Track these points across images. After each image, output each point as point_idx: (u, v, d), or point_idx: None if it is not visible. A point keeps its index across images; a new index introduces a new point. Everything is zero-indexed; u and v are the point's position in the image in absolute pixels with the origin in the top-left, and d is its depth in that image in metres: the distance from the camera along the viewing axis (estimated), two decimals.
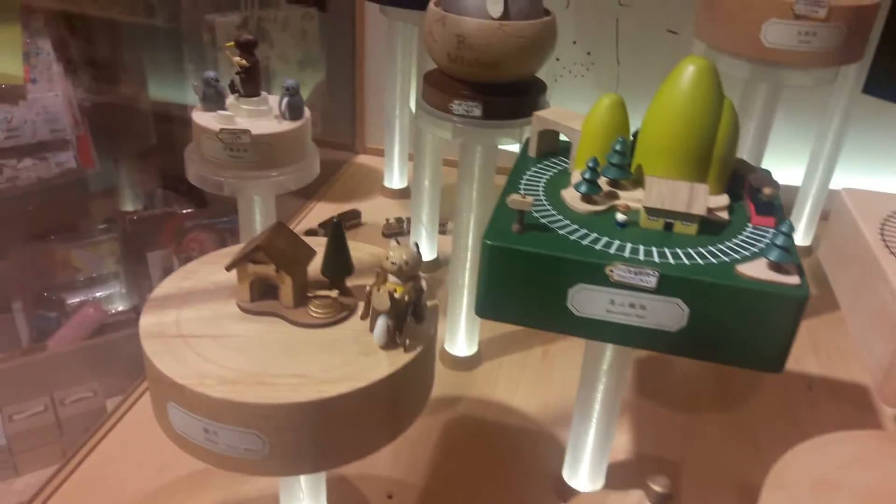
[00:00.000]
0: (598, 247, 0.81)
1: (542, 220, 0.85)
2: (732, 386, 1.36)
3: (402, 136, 1.90)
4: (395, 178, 1.98)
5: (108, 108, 2.17)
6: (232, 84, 1.17)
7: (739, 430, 1.26)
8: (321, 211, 1.89)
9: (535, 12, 1.08)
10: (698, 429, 1.27)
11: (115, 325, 2.12)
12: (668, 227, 0.85)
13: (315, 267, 0.85)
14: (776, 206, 0.85)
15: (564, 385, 1.33)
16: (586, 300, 0.79)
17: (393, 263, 0.75)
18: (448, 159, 1.61)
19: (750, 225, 0.87)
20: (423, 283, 0.81)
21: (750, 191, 0.90)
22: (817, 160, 1.69)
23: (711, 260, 0.80)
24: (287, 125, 1.13)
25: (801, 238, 1.78)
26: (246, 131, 1.08)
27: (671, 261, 0.79)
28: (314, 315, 0.81)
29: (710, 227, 0.85)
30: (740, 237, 0.85)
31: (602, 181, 0.89)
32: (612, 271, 0.77)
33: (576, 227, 0.84)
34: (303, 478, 0.91)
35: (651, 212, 0.84)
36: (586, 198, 0.89)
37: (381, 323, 0.76)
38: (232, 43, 1.12)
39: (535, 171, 0.98)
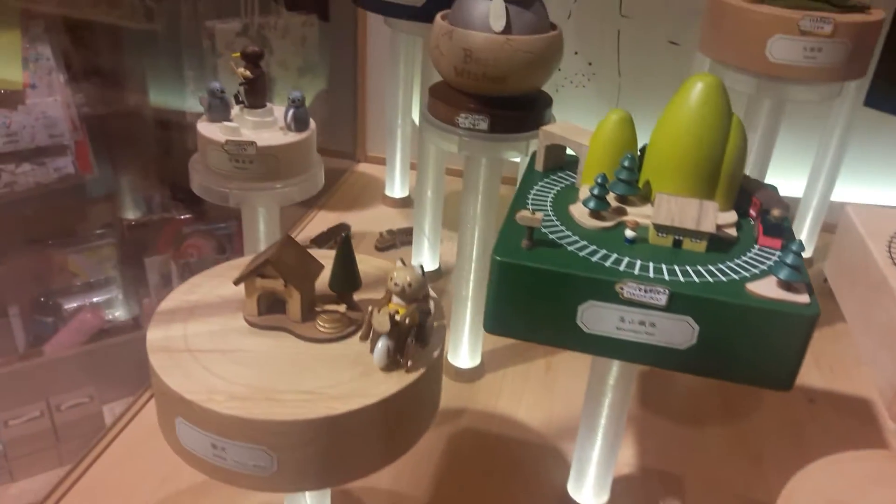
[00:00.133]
0: (607, 263, 0.80)
1: (551, 236, 0.85)
2: (735, 399, 1.36)
3: (403, 145, 1.89)
4: (397, 188, 1.97)
5: (106, 114, 2.16)
6: (236, 95, 1.17)
7: (742, 444, 1.26)
8: (322, 220, 1.89)
9: (541, 27, 1.08)
10: (701, 442, 1.27)
11: (113, 331, 2.11)
12: (677, 243, 0.85)
13: (322, 281, 0.84)
14: (783, 227, 0.85)
15: (568, 397, 1.33)
16: (596, 317, 0.79)
17: (396, 285, 0.74)
18: (450, 168, 1.61)
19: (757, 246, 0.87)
20: (431, 305, 0.80)
21: (759, 211, 0.90)
22: (819, 172, 1.69)
23: (721, 278, 0.80)
24: (293, 137, 1.13)
25: None
26: (252, 143, 1.08)
27: (681, 278, 0.79)
28: (322, 330, 0.81)
29: (719, 245, 0.85)
30: (749, 255, 0.84)
31: (610, 197, 0.89)
32: (622, 289, 0.77)
33: (585, 243, 0.84)
34: (308, 492, 0.91)
35: (660, 228, 0.84)
36: (595, 214, 0.89)
37: (382, 345, 0.75)
38: (238, 54, 1.12)
39: (543, 186, 0.98)
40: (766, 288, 0.77)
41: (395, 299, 0.75)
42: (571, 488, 1.10)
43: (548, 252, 0.82)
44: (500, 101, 1.10)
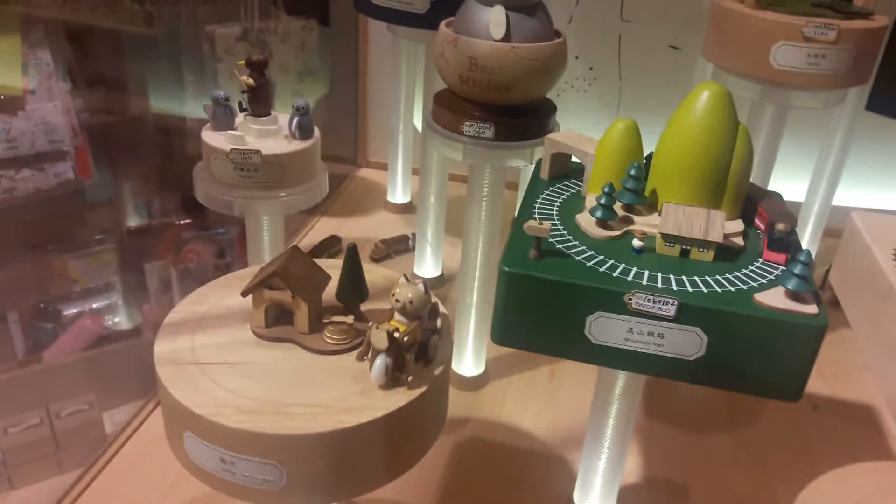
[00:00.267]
0: (615, 274, 0.80)
1: (559, 246, 0.85)
2: (739, 406, 1.36)
3: (405, 151, 1.89)
4: (399, 193, 1.97)
5: (106, 119, 2.15)
6: (240, 103, 1.16)
7: (747, 452, 1.26)
8: (324, 226, 1.89)
9: (546, 34, 1.08)
10: (706, 450, 1.26)
11: (112, 337, 2.10)
12: (685, 253, 0.85)
13: (329, 292, 0.84)
14: (788, 241, 0.85)
15: (573, 404, 1.33)
16: (604, 328, 0.79)
17: (397, 301, 0.73)
18: (451, 173, 1.61)
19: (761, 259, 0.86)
20: (439, 323, 0.79)
21: (766, 224, 0.89)
22: (820, 176, 1.69)
23: (729, 288, 0.79)
24: (297, 145, 1.13)
25: None
26: (257, 151, 1.07)
27: (689, 289, 0.79)
28: (329, 341, 0.81)
29: (726, 254, 0.85)
30: (756, 264, 0.84)
31: (616, 205, 0.89)
32: (630, 300, 0.77)
33: (592, 252, 0.84)
34: None
35: (668, 238, 0.84)
36: (602, 223, 0.88)
37: (380, 362, 0.73)
38: (242, 62, 1.11)
39: (549, 195, 0.98)
40: (775, 298, 0.77)
41: (397, 316, 0.74)
42: (578, 498, 1.09)
43: (555, 262, 0.82)
44: (505, 109, 1.10)
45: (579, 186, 1.01)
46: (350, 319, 0.83)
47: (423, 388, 0.75)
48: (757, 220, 0.92)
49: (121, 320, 2.23)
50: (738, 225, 0.90)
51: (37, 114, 1.98)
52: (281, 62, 2.10)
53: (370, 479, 0.76)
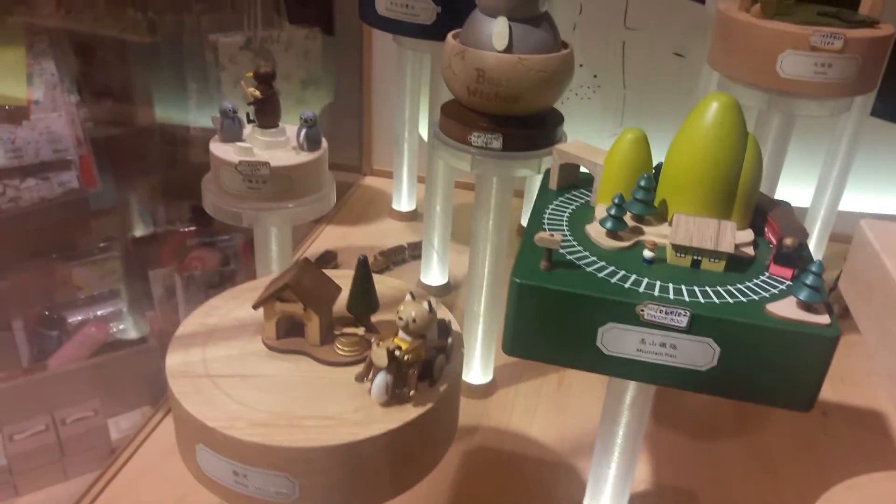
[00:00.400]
0: (627, 285, 0.80)
1: (570, 257, 0.85)
2: (748, 413, 1.36)
3: (410, 159, 1.90)
4: (404, 201, 1.97)
5: (110, 128, 2.16)
6: (247, 115, 1.17)
7: (756, 458, 1.26)
8: (330, 234, 1.89)
9: (552, 45, 1.08)
10: (715, 457, 1.26)
11: (117, 344, 2.10)
12: (696, 264, 0.85)
13: (339, 304, 0.84)
14: (795, 257, 0.84)
15: (581, 412, 1.33)
16: (616, 339, 0.79)
17: (401, 319, 0.72)
18: (457, 181, 1.61)
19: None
20: (450, 341, 0.79)
21: (777, 237, 0.89)
22: (826, 182, 1.69)
23: (741, 298, 0.80)
24: (305, 156, 1.13)
25: None
26: (265, 163, 1.08)
27: (700, 299, 0.79)
28: (341, 353, 0.81)
29: (737, 264, 0.85)
30: (767, 274, 0.84)
31: (626, 216, 0.89)
32: (643, 311, 0.77)
33: (603, 263, 0.84)
34: None
35: (679, 249, 0.84)
36: (612, 234, 0.88)
37: (380, 380, 0.73)
38: (251, 74, 1.12)
39: (558, 205, 0.98)
40: (786, 309, 0.77)
41: (401, 333, 0.74)
42: None
43: (567, 273, 0.82)
44: (513, 120, 1.10)
45: (588, 197, 1.01)
46: (361, 331, 0.83)
47: (436, 400, 0.75)
48: (768, 232, 0.92)
49: (125, 327, 2.23)
50: (748, 235, 0.90)
51: (41, 123, 1.98)
52: (284, 71, 2.11)
53: (383, 490, 0.76)
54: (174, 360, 0.80)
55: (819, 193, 1.72)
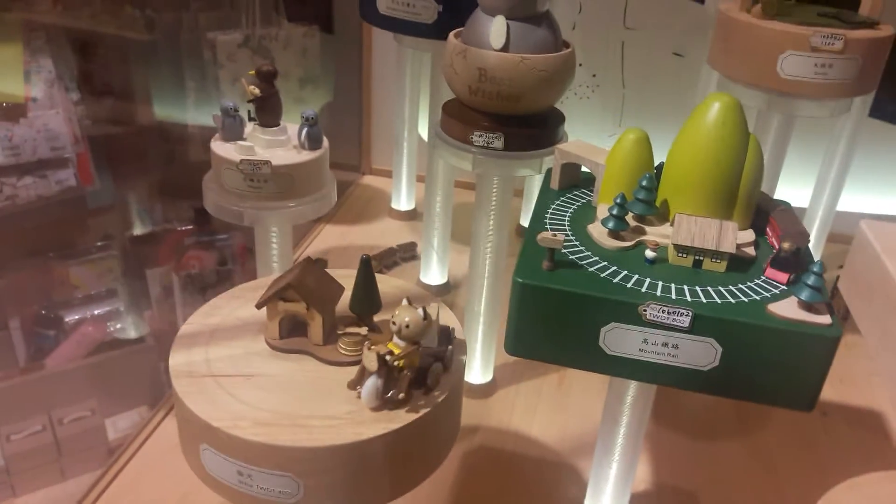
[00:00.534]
0: (629, 285, 0.81)
1: (572, 257, 0.85)
2: (748, 413, 1.37)
3: (409, 158, 1.90)
4: (403, 201, 1.97)
5: (108, 126, 2.16)
6: (248, 113, 1.16)
7: (757, 458, 1.27)
8: (329, 233, 1.89)
9: (554, 45, 1.09)
10: (715, 456, 1.27)
11: (115, 344, 2.10)
12: (697, 264, 0.85)
13: (342, 303, 0.84)
14: (791, 262, 0.84)
15: (582, 411, 1.33)
16: (619, 339, 0.79)
17: (394, 324, 0.72)
18: (457, 180, 1.61)
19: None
20: (449, 349, 0.79)
21: (778, 240, 0.89)
22: (825, 182, 1.70)
23: (742, 298, 0.80)
24: (307, 155, 1.13)
25: None
26: (266, 162, 1.07)
27: (703, 299, 0.79)
28: (343, 352, 0.81)
29: (739, 264, 0.85)
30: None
31: (627, 216, 0.89)
32: (645, 311, 0.77)
33: (605, 263, 0.84)
34: None
35: (680, 249, 0.85)
36: (614, 234, 0.89)
37: (370, 384, 0.72)
38: (253, 72, 1.11)
39: (559, 205, 0.98)
40: (788, 309, 0.78)
41: (395, 338, 0.73)
42: None
43: (569, 273, 0.82)
44: (515, 119, 1.10)
45: (589, 196, 1.01)
46: (364, 330, 0.83)
47: (440, 400, 0.75)
48: (769, 233, 0.93)
49: (123, 327, 2.23)
50: (749, 235, 0.91)
51: (39, 121, 1.98)
52: (282, 69, 2.10)
53: (387, 490, 0.76)
54: (177, 359, 0.79)
55: (817, 194, 1.72)
